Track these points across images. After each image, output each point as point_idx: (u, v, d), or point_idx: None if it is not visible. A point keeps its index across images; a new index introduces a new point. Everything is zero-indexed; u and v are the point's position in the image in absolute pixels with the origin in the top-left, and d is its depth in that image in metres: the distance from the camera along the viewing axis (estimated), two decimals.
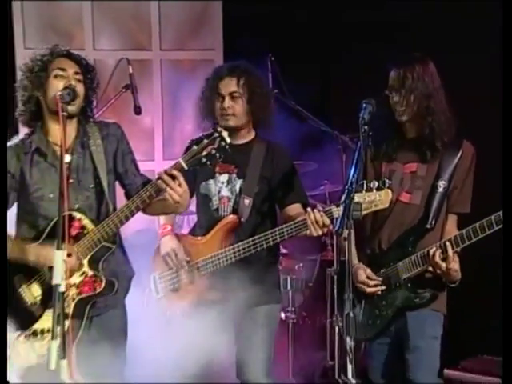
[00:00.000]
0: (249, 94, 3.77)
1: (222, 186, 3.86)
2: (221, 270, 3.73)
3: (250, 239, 3.63)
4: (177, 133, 5.60)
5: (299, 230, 3.52)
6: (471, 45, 4.84)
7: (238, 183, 3.84)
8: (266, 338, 3.85)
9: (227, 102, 3.77)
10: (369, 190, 3.25)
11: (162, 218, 3.87)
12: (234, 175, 3.82)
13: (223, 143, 3.20)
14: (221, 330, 3.81)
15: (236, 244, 3.68)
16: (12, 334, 3.41)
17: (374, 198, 3.29)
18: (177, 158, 3.32)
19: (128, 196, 3.47)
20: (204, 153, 3.20)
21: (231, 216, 3.80)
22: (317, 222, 3.45)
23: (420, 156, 3.51)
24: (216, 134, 3.20)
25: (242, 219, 3.79)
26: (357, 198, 3.20)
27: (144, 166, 4.01)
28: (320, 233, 3.48)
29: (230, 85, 3.78)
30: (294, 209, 3.78)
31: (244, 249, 3.66)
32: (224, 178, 3.82)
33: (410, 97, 3.42)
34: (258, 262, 3.73)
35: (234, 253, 3.68)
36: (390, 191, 3.29)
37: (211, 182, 3.82)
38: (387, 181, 3.30)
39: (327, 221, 3.44)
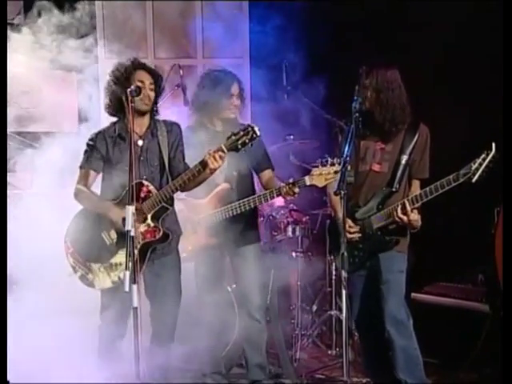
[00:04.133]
0: (241, 93, 4.07)
1: None
2: (216, 223, 3.97)
3: (241, 201, 3.88)
4: None
5: (273, 195, 3.75)
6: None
7: (227, 160, 3.93)
8: (256, 271, 4.06)
9: (236, 101, 4.02)
10: (332, 165, 3.44)
11: None
12: None
13: (254, 135, 3.39)
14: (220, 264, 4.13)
15: (228, 205, 3.91)
16: (94, 265, 3.61)
17: (330, 171, 3.46)
18: None
19: (171, 175, 3.68)
20: (240, 141, 3.40)
21: (224, 184, 4.01)
22: (287, 193, 3.67)
23: (385, 137, 3.64)
24: (249, 128, 3.40)
25: (232, 187, 4.02)
26: (319, 171, 3.43)
27: None
28: (292, 198, 3.81)
29: (237, 88, 4.05)
30: (266, 174, 4.12)
31: (235, 208, 3.88)
32: None
33: (383, 108, 3.52)
34: (243, 217, 3.97)
35: (227, 211, 3.91)
36: None
37: None
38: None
39: (296, 189, 3.64)
